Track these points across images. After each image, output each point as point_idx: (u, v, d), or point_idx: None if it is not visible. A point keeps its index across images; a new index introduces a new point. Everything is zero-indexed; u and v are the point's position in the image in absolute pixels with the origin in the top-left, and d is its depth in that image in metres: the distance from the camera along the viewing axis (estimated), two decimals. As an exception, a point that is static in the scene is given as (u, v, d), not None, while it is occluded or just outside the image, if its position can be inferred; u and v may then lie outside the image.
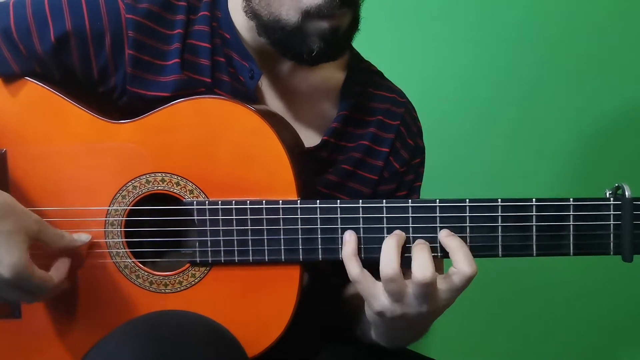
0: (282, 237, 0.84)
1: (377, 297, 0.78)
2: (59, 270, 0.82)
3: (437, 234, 0.81)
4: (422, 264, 0.76)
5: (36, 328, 0.88)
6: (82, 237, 0.86)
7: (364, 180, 0.99)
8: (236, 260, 0.84)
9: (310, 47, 0.85)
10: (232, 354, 0.79)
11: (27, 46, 0.87)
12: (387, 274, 0.76)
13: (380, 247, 0.81)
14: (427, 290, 0.76)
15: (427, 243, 0.80)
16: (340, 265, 1.00)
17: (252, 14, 0.89)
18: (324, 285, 0.97)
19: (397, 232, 0.81)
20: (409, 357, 0.96)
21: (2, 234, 0.75)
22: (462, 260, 0.77)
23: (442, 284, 0.77)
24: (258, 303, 0.85)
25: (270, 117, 0.86)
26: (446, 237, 0.80)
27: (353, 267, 0.80)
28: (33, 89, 0.88)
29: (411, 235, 0.81)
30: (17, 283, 0.76)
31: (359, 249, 0.82)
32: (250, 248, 0.84)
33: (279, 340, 0.85)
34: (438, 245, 0.81)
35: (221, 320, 0.83)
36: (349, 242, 0.81)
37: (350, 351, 0.96)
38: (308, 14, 0.83)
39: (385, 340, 0.87)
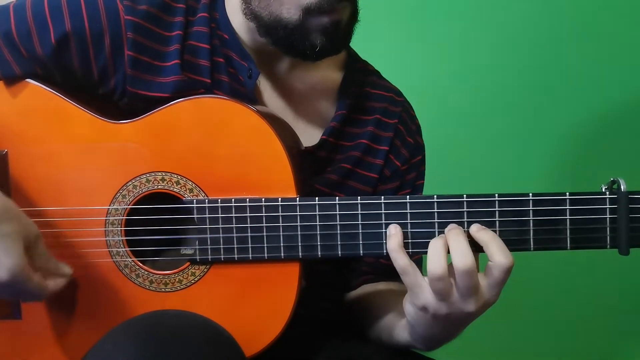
0: (281, 234, 0.84)
1: (423, 290, 0.78)
2: (56, 282, 0.82)
3: (435, 229, 0.82)
4: (460, 252, 0.76)
5: (36, 328, 0.89)
6: (65, 269, 0.84)
7: (363, 178, 0.99)
8: (236, 258, 0.85)
9: (313, 43, 0.86)
10: (230, 353, 0.79)
11: (28, 48, 0.88)
12: (435, 273, 0.76)
13: (380, 243, 0.83)
14: (470, 281, 0.75)
15: (461, 228, 0.80)
16: (339, 263, 1.01)
17: (252, 15, 0.90)
18: (323, 283, 0.97)
19: (442, 235, 0.80)
20: (409, 357, 0.96)
21: (3, 237, 0.75)
22: (497, 253, 0.76)
23: (483, 280, 0.77)
24: (257, 301, 0.86)
25: (270, 117, 0.87)
26: (478, 232, 0.79)
27: (401, 258, 0.79)
28: (34, 91, 0.89)
29: (409, 230, 0.82)
30: (13, 285, 0.76)
31: (358, 245, 0.83)
32: (250, 245, 0.85)
33: (278, 338, 0.85)
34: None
35: (220, 318, 0.83)
36: (395, 234, 0.81)
37: (350, 349, 0.96)
38: (309, 11, 0.85)
39: (422, 341, 0.86)
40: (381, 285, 1.02)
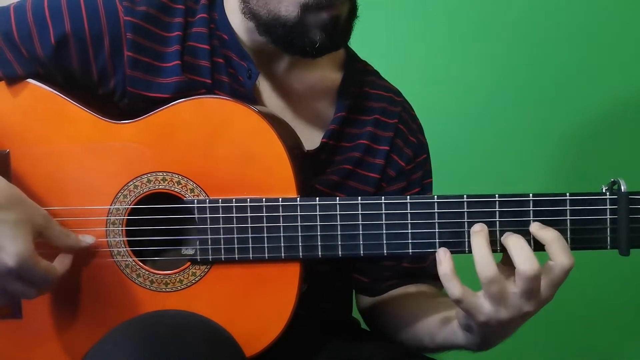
0: (282, 234, 0.84)
1: (480, 308, 0.76)
2: (62, 263, 0.83)
3: (435, 229, 0.82)
4: (525, 256, 0.74)
5: (37, 328, 0.89)
6: (87, 238, 0.87)
7: (364, 178, 0.99)
8: (236, 258, 0.85)
9: (313, 40, 0.86)
10: (230, 353, 0.79)
11: (28, 49, 0.89)
12: (487, 275, 0.74)
13: (380, 244, 0.83)
14: (533, 285, 0.74)
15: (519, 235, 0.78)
16: (339, 264, 1.01)
17: (251, 14, 0.90)
18: (324, 283, 0.97)
19: (480, 226, 0.78)
20: (411, 357, 0.96)
21: (9, 223, 0.75)
22: (559, 253, 0.75)
23: (542, 279, 0.75)
24: (258, 301, 0.86)
25: (271, 118, 0.87)
26: (540, 230, 0.78)
27: (454, 287, 0.76)
28: (36, 91, 0.89)
29: (410, 231, 0.82)
30: (20, 272, 0.76)
31: (359, 245, 0.83)
32: (251, 245, 0.85)
33: (278, 338, 0.85)
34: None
35: (221, 318, 0.84)
36: (445, 260, 0.77)
37: (351, 349, 0.96)
38: (307, 7, 0.85)
39: (477, 344, 0.84)
40: (412, 289, 1.02)
